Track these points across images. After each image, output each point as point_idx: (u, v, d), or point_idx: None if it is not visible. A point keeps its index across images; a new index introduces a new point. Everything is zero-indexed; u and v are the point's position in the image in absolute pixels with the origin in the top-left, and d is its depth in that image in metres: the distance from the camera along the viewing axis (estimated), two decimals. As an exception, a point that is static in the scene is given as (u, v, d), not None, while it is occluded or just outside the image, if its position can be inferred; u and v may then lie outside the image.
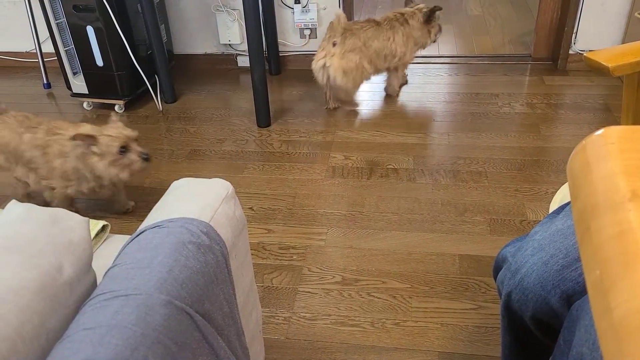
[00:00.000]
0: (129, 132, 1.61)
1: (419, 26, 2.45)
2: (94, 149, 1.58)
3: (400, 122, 2.37)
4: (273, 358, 1.34)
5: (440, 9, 2.47)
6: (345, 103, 2.50)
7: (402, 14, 2.45)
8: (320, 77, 2.35)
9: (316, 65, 2.34)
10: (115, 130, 1.59)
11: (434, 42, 2.57)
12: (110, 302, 0.61)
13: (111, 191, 1.80)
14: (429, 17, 2.44)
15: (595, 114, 2.34)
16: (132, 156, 1.60)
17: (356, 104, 2.53)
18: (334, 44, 2.29)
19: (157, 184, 2.06)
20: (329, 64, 2.30)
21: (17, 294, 0.58)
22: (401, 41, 2.43)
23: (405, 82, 2.72)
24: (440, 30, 2.55)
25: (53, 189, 1.73)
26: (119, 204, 1.89)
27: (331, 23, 2.29)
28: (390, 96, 2.61)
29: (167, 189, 0.92)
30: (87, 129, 1.63)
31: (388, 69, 2.54)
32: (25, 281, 0.59)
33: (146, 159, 1.62)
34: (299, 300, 1.49)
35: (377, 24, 2.39)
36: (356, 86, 2.41)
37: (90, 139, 1.57)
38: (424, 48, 2.57)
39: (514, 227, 1.71)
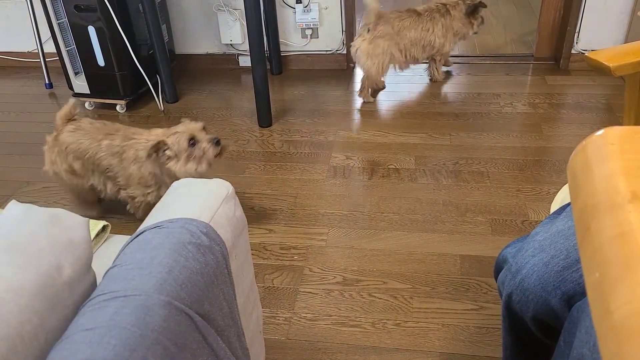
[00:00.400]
0: (194, 125, 1.58)
1: (461, 17, 2.51)
2: (168, 152, 1.56)
3: (402, 122, 2.37)
4: (274, 358, 1.34)
5: (485, 6, 2.52)
6: (362, 93, 2.54)
7: (444, 5, 2.50)
8: (356, 61, 2.47)
9: (352, 49, 2.45)
10: (181, 127, 1.57)
11: (476, 33, 2.62)
12: (109, 303, 0.61)
13: None
14: (473, 12, 2.50)
15: (598, 114, 2.33)
16: (203, 145, 1.56)
17: (371, 99, 2.54)
18: (368, 30, 2.38)
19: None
20: (358, 47, 2.40)
21: (16, 293, 0.58)
22: (440, 33, 2.48)
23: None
24: (482, 21, 2.59)
25: (133, 198, 1.70)
26: None
27: (369, 11, 2.36)
28: (436, 82, 2.69)
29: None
30: (158, 132, 1.61)
31: (429, 59, 2.63)
32: (25, 281, 0.59)
33: (217, 142, 1.57)
34: (299, 301, 1.49)
35: (418, 14, 2.46)
36: (379, 72, 2.45)
37: (160, 144, 1.55)
38: (464, 39, 2.63)
39: (515, 228, 1.70)
